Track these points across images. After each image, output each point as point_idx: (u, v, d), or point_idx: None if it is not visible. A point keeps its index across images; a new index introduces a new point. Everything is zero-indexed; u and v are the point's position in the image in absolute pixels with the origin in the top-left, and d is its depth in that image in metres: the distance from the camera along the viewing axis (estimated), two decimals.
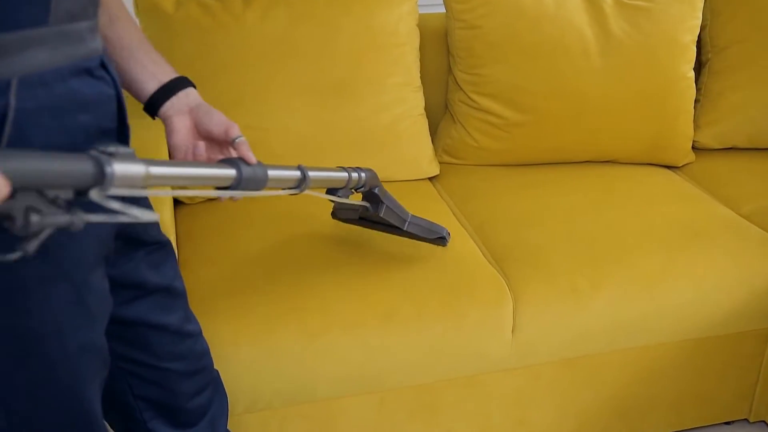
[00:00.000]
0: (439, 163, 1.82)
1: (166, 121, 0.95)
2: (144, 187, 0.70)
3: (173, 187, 0.94)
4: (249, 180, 0.87)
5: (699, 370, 1.54)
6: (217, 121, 0.94)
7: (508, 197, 1.65)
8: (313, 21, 1.60)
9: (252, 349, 1.23)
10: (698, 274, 1.43)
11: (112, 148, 0.67)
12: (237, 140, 0.92)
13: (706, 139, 1.90)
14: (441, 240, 1.36)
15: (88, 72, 0.75)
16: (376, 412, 1.39)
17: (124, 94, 0.85)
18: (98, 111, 0.77)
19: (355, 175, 1.14)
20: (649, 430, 1.58)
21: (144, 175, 0.69)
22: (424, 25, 1.81)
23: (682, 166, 1.88)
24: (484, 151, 1.80)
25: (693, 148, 1.90)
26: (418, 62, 1.74)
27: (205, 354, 1.08)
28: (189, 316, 1.04)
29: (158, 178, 0.72)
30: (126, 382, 0.98)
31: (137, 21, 1.41)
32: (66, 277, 0.74)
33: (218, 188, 0.87)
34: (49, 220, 0.60)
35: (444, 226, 1.34)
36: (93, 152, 0.65)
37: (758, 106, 1.84)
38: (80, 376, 0.80)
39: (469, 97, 1.77)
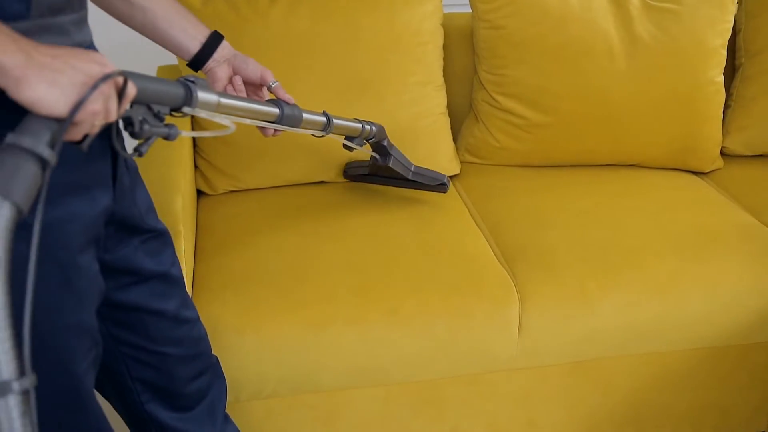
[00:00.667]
0: (462, 162, 1.83)
1: (208, 73, 1.10)
2: (216, 112, 0.88)
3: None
4: (289, 117, 1.07)
5: (715, 380, 1.51)
6: (253, 68, 1.11)
7: (527, 198, 1.65)
8: (337, 18, 1.62)
9: (257, 337, 1.26)
10: (713, 281, 1.41)
11: (192, 78, 0.84)
12: (273, 85, 1.12)
13: (736, 146, 1.86)
14: (442, 186, 1.54)
15: None
16: (382, 405, 1.41)
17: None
18: None
19: (368, 127, 1.33)
20: None
21: (216, 103, 0.87)
22: (450, 24, 1.82)
23: (710, 172, 1.84)
24: (506, 151, 1.80)
25: (722, 154, 1.86)
26: (441, 61, 1.74)
27: (202, 339, 1.11)
28: (186, 302, 1.07)
29: (225, 107, 0.90)
30: (124, 365, 1.02)
31: None
32: (52, 258, 0.77)
33: (269, 123, 1.06)
34: (155, 129, 0.77)
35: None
36: (182, 79, 0.83)
37: None
38: (70, 353, 0.83)
39: (492, 97, 1.77)
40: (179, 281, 1.05)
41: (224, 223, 1.53)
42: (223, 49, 1.09)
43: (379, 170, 1.55)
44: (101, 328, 0.97)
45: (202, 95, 0.84)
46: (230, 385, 1.25)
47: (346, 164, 1.65)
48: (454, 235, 1.49)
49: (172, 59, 1.75)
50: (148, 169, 1.38)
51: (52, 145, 0.61)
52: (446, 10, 1.79)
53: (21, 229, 0.69)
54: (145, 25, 1.01)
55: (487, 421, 1.48)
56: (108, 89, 0.66)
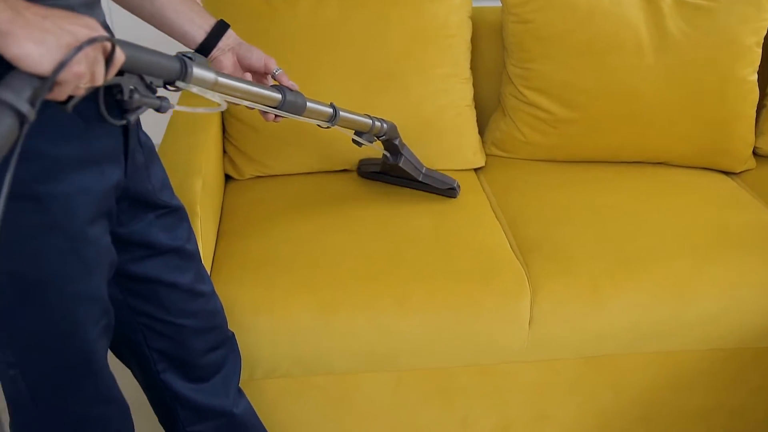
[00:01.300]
0: (488, 155, 1.84)
1: (213, 61, 1.11)
2: (212, 90, 0.88)
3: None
4: (291, 104, 1.06)
5: (728, 382, 1.49)
6: (257, 56, 1.12)
7: (550, 193, 1.65)
8: (364, 9, 1.64)
9: (270, 318, 1.30)
10: (729, 282, 1.39)
11: (190, 54, 0.85)
12: (277, 72, 1.14)
13: None
14: (451, 191, 1.53)
15: None
16: (392, 391, 1.44)
17: None
18: None
19: (378, 123, 1.31)
20: None
21: (213, 81, 0.87)
22: (481, 18, 1.83)
23: (741, 172, 1.81)
24: (532, 145, 1.80)
25: (755, 154, 1.83)
26: (469, 54, 1.75)
27: (218, 313, 1.15)
28: (202, 276, 1.11)
29: (223, 86, 0.90)
30: (141, 334, 1.07)
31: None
32: (59, 228, 0.81)
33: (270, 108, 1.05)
34: (146, 100, 0.78)
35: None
36: (179, 54, 0.83)
37: None
38: (79, 322, 0.88)
39: (519, 91, 1.77)
40: (194, 255, 1.09)
41: (248, 208, 1.57)
42: (228, 38, 1.10)
43: (390, 169, 1.54)
44: (120, 298, 1.02)
45: (198, 71, 0.84)
46: (245, 362, 1.29)
47: (360, 161, 1.65)
48: (471, 227, 1.50)
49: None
50: (173, 153, 1.43)
51: (32, 102, 0.62)
52: (477, 4, 1.80)
53: (25, 200, 0.74)
54: (153, 14, 1.05)
55: (497, 412, 1.49)
56: (94, 53, 0.66)
